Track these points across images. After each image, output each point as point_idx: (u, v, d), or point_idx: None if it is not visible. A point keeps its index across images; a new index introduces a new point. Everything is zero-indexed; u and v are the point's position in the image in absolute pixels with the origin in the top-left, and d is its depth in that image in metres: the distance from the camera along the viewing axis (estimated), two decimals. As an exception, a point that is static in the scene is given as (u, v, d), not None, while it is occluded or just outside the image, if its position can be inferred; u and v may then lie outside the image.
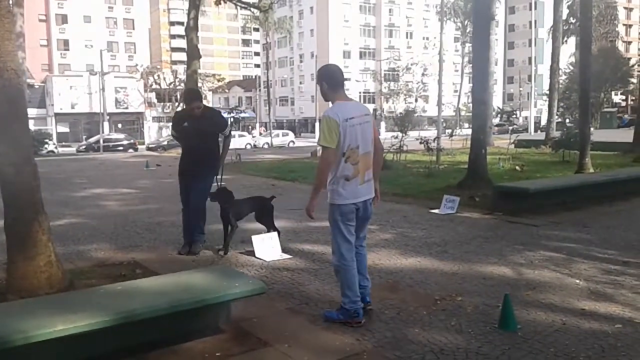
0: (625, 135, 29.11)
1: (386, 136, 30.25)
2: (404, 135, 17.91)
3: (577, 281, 4.91)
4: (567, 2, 42.11)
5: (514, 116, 22.99)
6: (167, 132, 61.85)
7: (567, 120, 37.35)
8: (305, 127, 77.76)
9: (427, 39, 77.39)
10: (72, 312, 3.20)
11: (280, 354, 3.59)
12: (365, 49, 78.57)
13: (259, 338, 3.84)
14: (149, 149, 41.70)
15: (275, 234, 6.30)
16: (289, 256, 6.03)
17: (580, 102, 13.77)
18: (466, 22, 65.84)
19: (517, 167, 14.15)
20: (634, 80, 74.34)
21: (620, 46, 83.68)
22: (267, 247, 6.09)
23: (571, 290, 4.67)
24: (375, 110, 67.88)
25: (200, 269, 4.29)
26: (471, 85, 14.47)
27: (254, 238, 6.14)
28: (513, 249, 6.17)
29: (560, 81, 25.38)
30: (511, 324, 3.86)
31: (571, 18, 49.14)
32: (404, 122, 19.48)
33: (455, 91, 69.03)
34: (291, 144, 47.06)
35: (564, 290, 4.69)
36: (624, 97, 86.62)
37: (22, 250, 4.27)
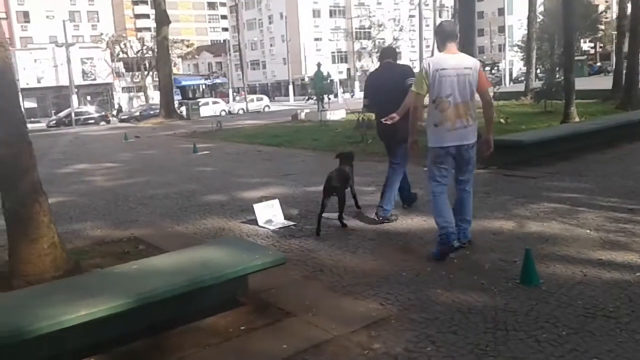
0: (599, 82, 29.40)
1: (360, 95, 30.08)
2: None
3: (588, 231, 4.92)
4: (538, -50, 41.60)
5: (496, 69, 22.92)
6: (138, 102, 60.61)
7: (539, 70, 37.45)
8: (278, 90, 76.87)
9: (397, -7, 76.56)
10: (92, 296, 3.05)
11: (306, 323, 3.51)
12: (335, 7, 77.29)
13: (281, 309, 3.76)
14: (121, 120, 40.76)
15: (276, 200, 6.16)
16: (292, 223, 5.92)
17: (564, 51, 13.73)
18: (437, -25, 64.91)
19: (501, 120, 14.13)
20: (602, 28, 74.83)
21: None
22: (269, 214, 5.97)
23: (584, 241, 4.67)
24: (348, 69, 67.35)
25: (213, 242, 4.16)
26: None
27: (256, 207, 6.01)
28: (516, 202, 6.16)
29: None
30: (534, 279, 3.84)
31: (541, -33, 48.82)
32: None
33: (428, 46, 68.63)
34: (267, 109, 46.39)
35: (577, 241, 4.69)
36: (592, 45, 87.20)
37: (24, 233, 4.07)
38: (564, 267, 4.12)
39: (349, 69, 67.26)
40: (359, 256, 4.75)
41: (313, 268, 4.51)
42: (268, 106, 48.24)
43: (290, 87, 65.78)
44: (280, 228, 5.76)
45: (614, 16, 71.06)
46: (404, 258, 4.61)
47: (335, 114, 21.35)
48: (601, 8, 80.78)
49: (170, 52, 51.60)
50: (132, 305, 3.05)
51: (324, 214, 5.55)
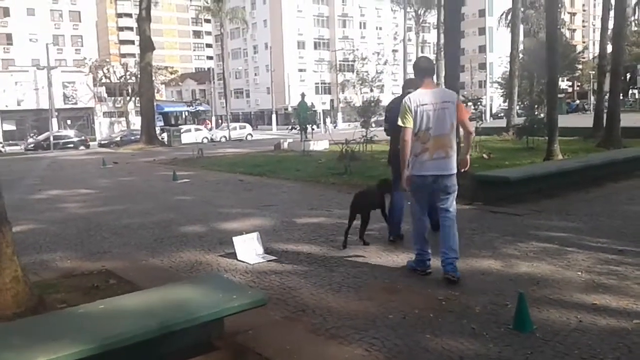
0: (577, 120, 29.96)
1: (343, 126, 30.15)
2: (368, 127, 17.74)
3: (579, 273, 4.76)
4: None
5: (479, 104, 23.14)
6: (119, 127, 60.01)
7: (518, 107, 38.03)
8: (261, 119, 76.91)
9: (381, 29, 77.73)
10: (53, 339, 2.78)
11: (286, 371, 3.26)
12: (320, 39, 78.16)
13: (259, 354, 3.50)
14: (101, 145, 40.22)
15: (256, 234, 5.91)
16: (273, 257, 5.67)
17: (547, 88, 13.86)
18: (420, 10, 66.32)
19: (484, 155, 14.15)
20: (580, 67, 76.76)
21: (567, 34, 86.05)
22: (249, 248, 5.72)
23: (576, 284, 4.50)
24: (332, 100, 67.65)
25: (189, 281, 3.88)
26: (443, 73, 14.33)
27: (235, 240, 5.74)
28: (504, 241, 6.00)
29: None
30: (528, 325, 3.64)
31: (520, 7, 50.03)
32: (367, 112, 19.27)
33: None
34: (249, 137, 46.28)
35: (568, 283, 4.52)
36: (570, 84, 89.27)
37: (-16, 266, 3.78)
38: (557, 312, 3.93)
39: (332, 100, 67.55)
40: (343, 295, 4.52)
41: (295, 307, 4.26)
42: (251, 134, 48.17)
43: (274, 116, 65.87)
44: (260, 263, 5.51)
45: (591, 56, 73.01)
46: (391, 298, 4.38)
47: (319, 145, 21.26)
48: (579, 48, 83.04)
49: (153, 78, 51.49)
50: (95, 352, 2.78)
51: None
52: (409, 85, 5.93)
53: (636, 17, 78.63)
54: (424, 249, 4.86)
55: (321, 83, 76.17)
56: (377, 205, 5.94)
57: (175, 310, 3.20)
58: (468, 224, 6.91)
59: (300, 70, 75.53)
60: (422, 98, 4.62)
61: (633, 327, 3.61)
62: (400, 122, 4.66)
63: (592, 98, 31.78)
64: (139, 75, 37.81)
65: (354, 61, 58.08)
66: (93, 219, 8.30)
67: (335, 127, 53.84)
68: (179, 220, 7.97)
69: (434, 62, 5.24)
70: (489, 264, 5.15)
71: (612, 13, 18.10)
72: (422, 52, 73.31)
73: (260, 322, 3.98)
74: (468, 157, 4.92)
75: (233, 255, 5.70)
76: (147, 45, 28.85)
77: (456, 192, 4.80)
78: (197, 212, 8.59)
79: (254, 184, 11.84)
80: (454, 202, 4.81)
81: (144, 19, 28.43)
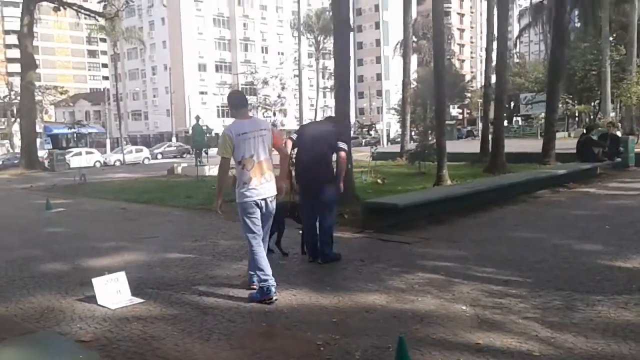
0: (467, 146, 31.40)
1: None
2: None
3: (464, 307, 4.57)
4: (411, 22, 44.72)
5: (373, 129, 23.52)
6: (2, 150, 55.34)
7: (413, 133, 39.45)
8: (161, 141, 74.18)
9: (282, 53, 78.33)
10: None
11: None
12: (221, 63, 77.31)
13: None
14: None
15: (122, 273, 5.25)
16: (140, 300, 5.03)
17: (436, 115, 14.20)
18: (319, 37, 67.59)
19: (378, 180, 14.20)
20: (469, 95, 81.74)
21: (456, 64, 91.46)
22: (112, 290, 5.04)
23: (460, 320, 4.29)
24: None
25: (13, 342, 3.17)
26: (327, 99, 14.24)
27: (95, 281, 5.04)
28: (391, 272, 5.76)
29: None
30: (409, 373, 3.33)
31: (413, 37, 52.36)
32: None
33: (312, 105, 70.39)
34: (146, 161, 44.24)
35: (452, 320, 4.30)
36: (460, 111, 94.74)
37: None
38: (440, 354, 3.66)
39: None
40: (212, 344, 4.00)
41: (152, 363, 3.69)
42: (148, 158, 46.04)
43: (174, 139, 63.75)
44: (124, 307, 4.85)
45: (479, 85, 78.02)
46: (265, 346, 3.94)
47: (215, 170, 20.51)
48: (468, 77, 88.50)
49: (42, 98, 48.04)
50: None
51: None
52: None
53: (517, 50, 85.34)
54: (271, 281, 4.86)
55: (223, 106, 75.11)
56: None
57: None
58: (357, 254, 6.67)
59: (202, 92, 74.16)
60: (242, 128, 4.95)
61: (515, 369, 3.41)
62: (219, 153, 4.94)
63: (480, 124, 33.67)
64: (21, 95, 35.07)
65: (255, 85, 57.86)
66: None
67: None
68: (41, 257, 7.07)
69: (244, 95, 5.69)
70: (374, 300, 4.85)
71: (495, 45, 19.16)
72: (324, 78, 74.72)
73: (109, 384, 3.39)
74: (282, 184, 5.27)
75: (94, 298, 5.00)
76: (28, 63, 26.84)
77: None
78: (66, 246, 7.70)
79: (138, 213, 11.00)
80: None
81: (25, 35, 26.46)
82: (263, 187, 4.95)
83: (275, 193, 5.09)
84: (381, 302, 4.79)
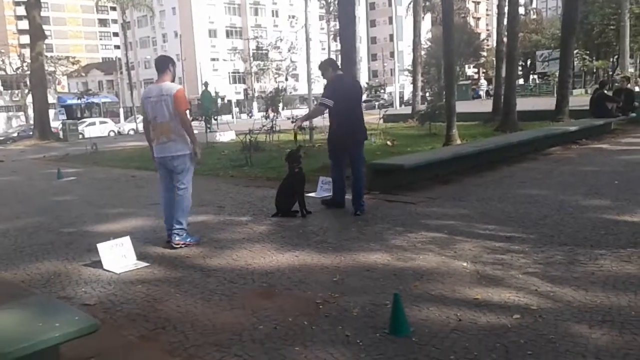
0: (481, 106, 30.92)
1: (257, 116, 29.61)
2: (275, 115, 17.30)
3: (464, 264, 4.56)
4: (424, -21, 43.50)
5: (382, 91, 23.28)
6: (17, 122, 55.86)
7: (427, 94, 38.99)
8: (173, 110, 74.20)
9: (293, 17, 77.06)
10: None
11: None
12: (232, 28, 76.49)
13: (98, 385, 2.98)
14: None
15: (127, 238, 5.31)
16: (145, 264, 5.10)
17: (445, 75, 13.96)
18: (330, -1, 66.22)
19: (388, 142, 14.10)
20: (485, 54, 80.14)
21: (471, 22, 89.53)
22: (117, 255, 5.11)
23: (460, 276, 4.29)
24: (245, 90, 66.43)
25: (7, 306, 3.22)
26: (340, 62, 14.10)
27: (100, 246, 5.11)
28: (395, 232, 5.76)
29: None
30: (404, 329, 3.34)
31: (427, -5, 51.22)
32: (275, 101, 18.87)
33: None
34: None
35: (453, 276, 4.30)
36: (476, 70, 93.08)
37: None
38: (438, 310, 3.67)
39: (246, 89, 66.35)
40: (214, 305, 4.06)
41: (155, 324, 3.75)
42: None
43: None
44: (128, 271, 4.93)
45: (495, 43, 76.52)
46: (265, 305, 3.97)
47: (225, 136, 20.53)
48: (483, 36, 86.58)
49: (53, 69, 48.07)
50: None
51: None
52: (325, 67, 6.88)
53: (534, 5, 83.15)
54: (167, 226, 5.69)
55: (235, 72, 74.67)
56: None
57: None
58: (362, 214, 6.65)
59: (213, 59, 73.67)
60: (149, 92, 5.56)
61: (512, 323, 3.40)
62: (140, 113, 5.41)
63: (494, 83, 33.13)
64: (33, 66, 35.10)
65: (267, 50, 57.25)
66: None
67: (251, 117, 52.87)
68: (50, 224, 7.17)
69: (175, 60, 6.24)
70: (376, 259, 4.86)
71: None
72: (335, 40, 73.54)
73: (110, 344, 3.47)
74: (197, 150, 5.58)
75: (99, 264, 5.08)
76: (37, 34, 26.77)
77: (186, 171, 5.54)
78: (74, 214, 7.80)
79: (147, 180, 11.06)
80: (185, 179, 5.55)
81: (32, 5, 26.33)
82: (162, 146, 5.47)
83: (179, 153, 5.45)
84: (382, 261, 4.80)
